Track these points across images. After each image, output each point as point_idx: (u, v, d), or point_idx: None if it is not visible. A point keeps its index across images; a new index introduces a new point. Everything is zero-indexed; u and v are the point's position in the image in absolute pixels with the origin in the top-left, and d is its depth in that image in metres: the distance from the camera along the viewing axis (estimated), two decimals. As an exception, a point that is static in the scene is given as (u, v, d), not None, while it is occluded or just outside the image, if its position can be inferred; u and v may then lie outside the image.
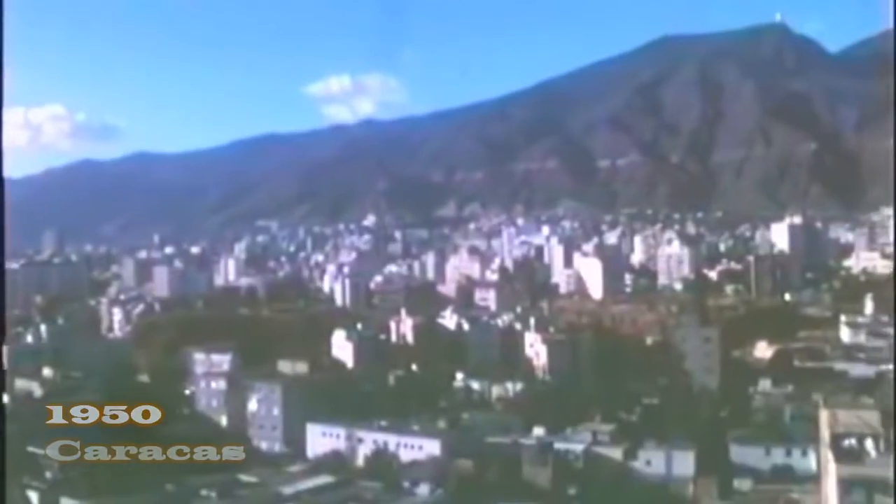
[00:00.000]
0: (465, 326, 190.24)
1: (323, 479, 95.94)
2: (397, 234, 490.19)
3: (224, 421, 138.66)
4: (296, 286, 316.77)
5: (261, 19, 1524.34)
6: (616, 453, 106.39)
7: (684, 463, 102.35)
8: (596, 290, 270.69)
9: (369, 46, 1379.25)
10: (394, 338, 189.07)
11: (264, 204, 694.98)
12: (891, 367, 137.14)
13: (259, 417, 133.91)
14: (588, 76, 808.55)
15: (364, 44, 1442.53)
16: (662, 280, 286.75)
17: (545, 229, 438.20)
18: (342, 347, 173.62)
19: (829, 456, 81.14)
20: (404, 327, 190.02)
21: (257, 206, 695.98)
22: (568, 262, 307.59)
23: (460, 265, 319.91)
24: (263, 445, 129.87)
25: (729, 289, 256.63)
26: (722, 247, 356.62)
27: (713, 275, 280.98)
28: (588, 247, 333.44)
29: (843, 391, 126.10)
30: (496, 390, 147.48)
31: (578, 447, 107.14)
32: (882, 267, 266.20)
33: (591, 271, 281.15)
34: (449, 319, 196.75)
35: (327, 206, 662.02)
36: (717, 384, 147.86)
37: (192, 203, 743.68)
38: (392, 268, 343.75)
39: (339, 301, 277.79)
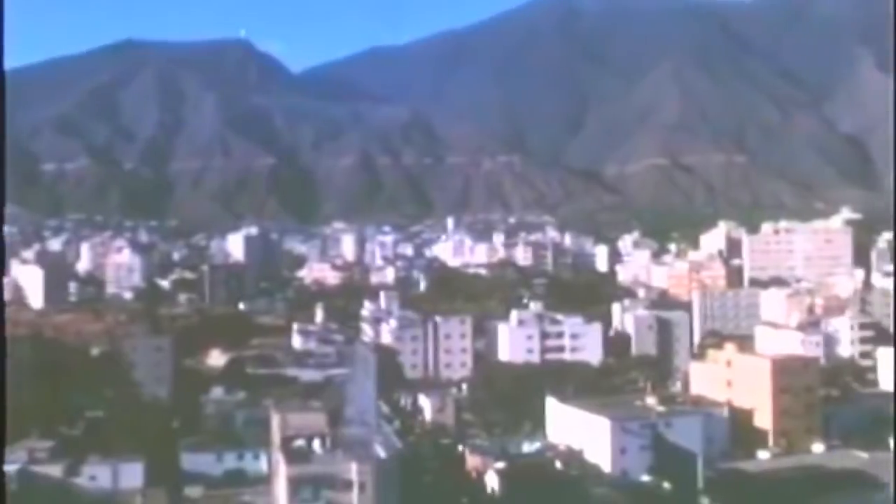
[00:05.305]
0: None
1: None
2: None
3: None
4: None
5: None
6: (56, 471, 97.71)
7: (132, 475, 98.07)
8: (36, 299, 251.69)
9: None
10: None
11: None
12: (338, 371, 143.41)
13: None
14: (37, 75, 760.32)
15: None
16: (112, 289, 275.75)
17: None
18: None
19: (279, 457, 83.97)
20: None
21: None
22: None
23: None
24: None
25: (182, 297, 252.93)
26: (176, 255, 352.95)
27: (166, 284, 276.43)
28: (28, 253, 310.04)
29: (294, 395, 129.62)
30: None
31: (12, 467, 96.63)
32: (332, 278, 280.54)
33: (31, 279, 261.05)
34: None
35: None
36: (169, 393, 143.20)
37: None
38: None
39: None
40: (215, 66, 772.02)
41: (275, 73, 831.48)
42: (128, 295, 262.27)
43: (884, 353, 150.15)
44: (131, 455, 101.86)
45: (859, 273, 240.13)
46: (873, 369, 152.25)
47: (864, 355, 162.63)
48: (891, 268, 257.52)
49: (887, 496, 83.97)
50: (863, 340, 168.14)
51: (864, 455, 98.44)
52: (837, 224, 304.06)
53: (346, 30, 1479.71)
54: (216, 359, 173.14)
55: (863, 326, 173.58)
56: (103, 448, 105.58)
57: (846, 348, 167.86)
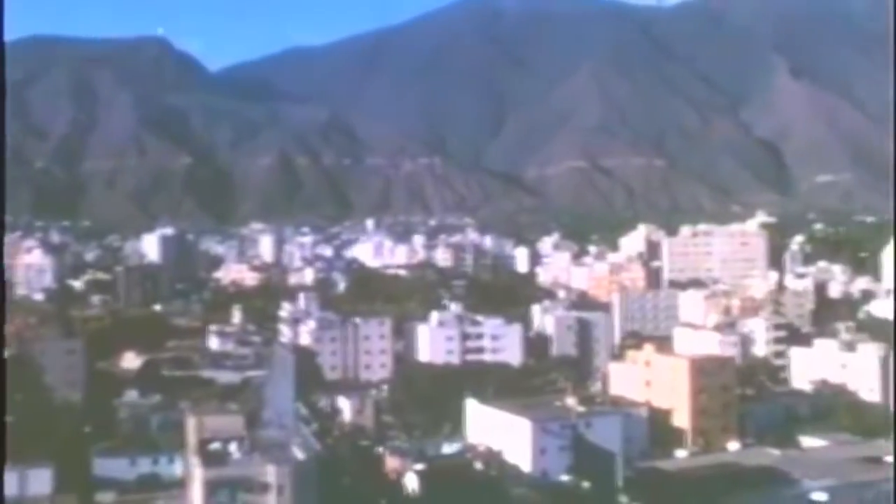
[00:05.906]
0: None
1: None
2: None
3: None
4: None
5: None
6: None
7: (40, 481, 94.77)
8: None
9: None
10: None
11: None
12: (256, 373, 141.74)
13: None
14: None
15: None
16: (21, 290, 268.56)
17: None
18: None
19: (195, 461, 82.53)
20: None
21: None
22: None
23: None
24: None
25: (96, 299, 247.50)
26: (89, 256, 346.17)
27: (79, 285, 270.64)
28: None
29: (211, 398, 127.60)
30: None
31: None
32: (250, 279, 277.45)
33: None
34: None
35: None
36: (81, 397, 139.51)
37: None
38: None
39: None
40: (131, 64, 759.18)
41: (192, 72, 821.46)
42: (38, 296, 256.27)
43: (796, 353, 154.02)
44: (41, 461, 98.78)
45: (773, 275, 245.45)
46: (786, 368, 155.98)
47: (777, 355, 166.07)
48: (802, 269, 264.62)
49: (798, 492, 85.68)
50: (776, 340, 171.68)
51: (776, 452, 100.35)
52: (753, 227, 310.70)
53: (264, 29, 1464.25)
54: (131, 361, 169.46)
55: (777, 327, 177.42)
56: (11, 455, 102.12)
57: (761, 348, 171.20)
